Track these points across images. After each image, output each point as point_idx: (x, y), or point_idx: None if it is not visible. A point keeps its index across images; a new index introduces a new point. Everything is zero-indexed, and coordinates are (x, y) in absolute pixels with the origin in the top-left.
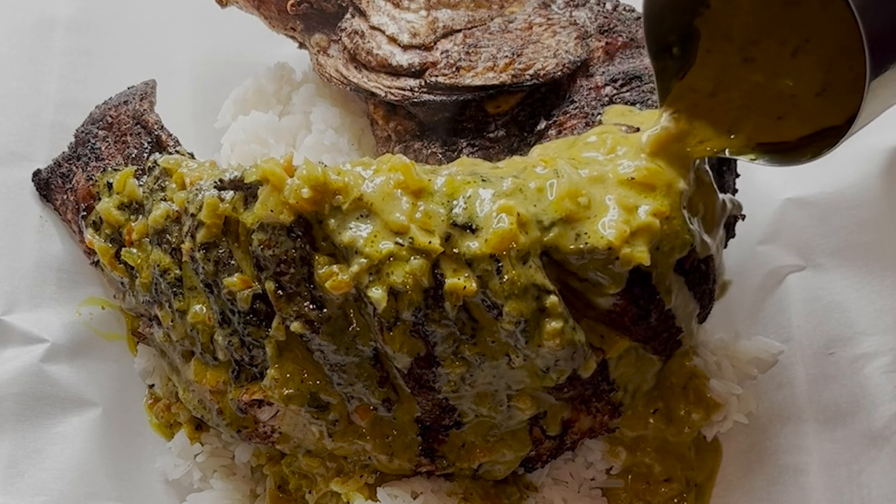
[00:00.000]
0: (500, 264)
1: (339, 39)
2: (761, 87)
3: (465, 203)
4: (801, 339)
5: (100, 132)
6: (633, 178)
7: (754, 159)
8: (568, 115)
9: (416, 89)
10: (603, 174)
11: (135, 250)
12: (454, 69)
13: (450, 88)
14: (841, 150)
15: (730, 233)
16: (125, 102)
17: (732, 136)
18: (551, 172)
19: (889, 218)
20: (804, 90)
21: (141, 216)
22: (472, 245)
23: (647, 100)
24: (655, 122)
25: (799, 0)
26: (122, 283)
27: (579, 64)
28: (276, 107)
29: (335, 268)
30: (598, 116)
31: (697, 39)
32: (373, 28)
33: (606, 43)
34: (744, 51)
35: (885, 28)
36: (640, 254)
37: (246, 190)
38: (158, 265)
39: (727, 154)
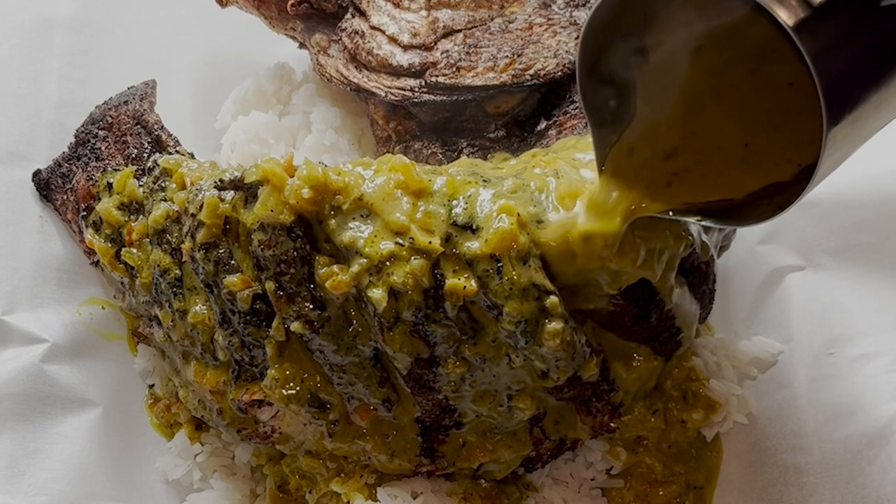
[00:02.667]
0: (500, 264)
1: (340, 39)
2: (709, 137)
3: (466, 203)
4: (801, 339)
5: (100, 132)
6: None
7: (701, 220)
8: (568, 115)
9: (417, 89)
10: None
11: (135, 250)
12: (454, 69)
13: (450, 88)
14: None
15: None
16: (125, 102)
17: (677, 197)
18: (551, 173)
19: (889, 218)
20: (732, 151)
21: (141, 216)
22: (473, 245)
23: None
24: (596, 188)
25: (728, 68)
26: (122, 283)
27: None
28: (276, 107)
29: (335, 268)
30: None
31: (636, 92)
32: (373, 28)
33: None
34: (677, 108)
35: (840, 76)
36: None
37: (246, 190)
38: (158, 265)
39: (671, 216)
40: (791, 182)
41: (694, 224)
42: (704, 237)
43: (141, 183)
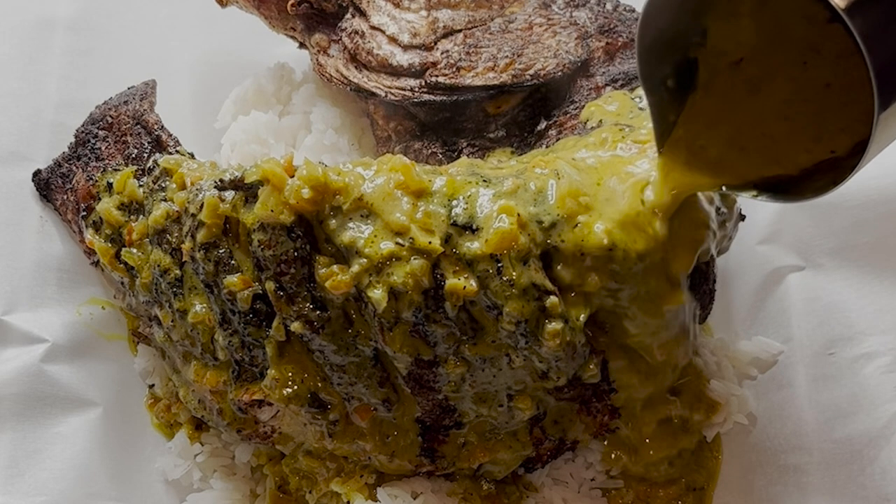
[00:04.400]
0: (500, 265)
1: (340, 39)
2: (760, 117)
3: (466, 203)
4: (801, 339)
5: (100, 132)
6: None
7: (756, 195)
8: (568, 115)
9: (417, 89)
10: (604, 175)
11: (135, 250)
12: (454, 69)
13: (450, 88)
14: None
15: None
16: (125, 102)
17: (733, 173)
18: (551, 173)
19: (889, 218)
20: (802, 117)
21: (141, 216)
22: (473, 245)
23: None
24: (656, 169)
25: (775, 66)
26: (122, 283)
27: (579, 64)
28: (276, 107)
29: (335, 268)
30: (591, 118)
31: (694, 72)
32: (373, 28)
33: (607, 43)
34: (745, 82)
35: (890, 58)
36: None
37: (246, 190)
38: (159, 265)
39: (729, 191)
40: (845, 157)
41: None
42: None
43: (141, 183)
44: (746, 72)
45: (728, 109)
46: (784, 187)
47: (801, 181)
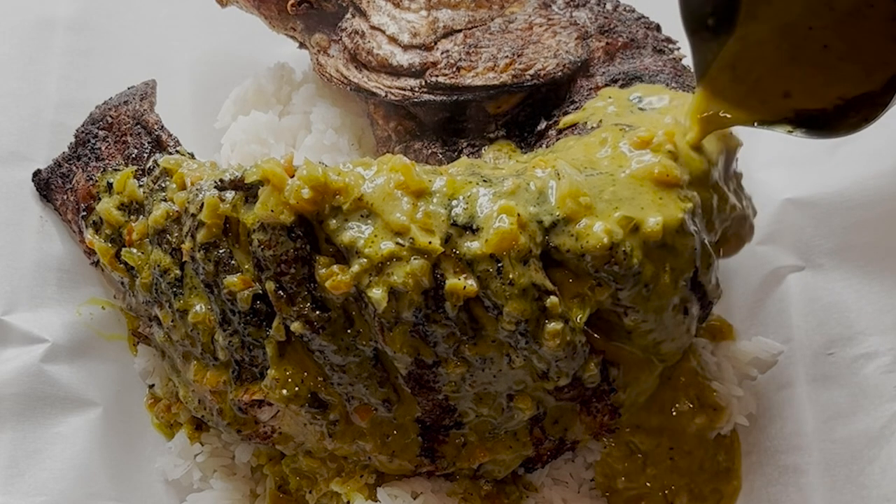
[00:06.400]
0: (500, 265)
1: (340, 39)
2: (800, 51)
3: (466, 203)
4: (801, 339)
5: (100, 132)
6: (637, 176)
7: (791, 131)
8: (568, 115)
9: (417, 89)
10: (605, 175)
11: (135, 250)
12: (455, 69)
13: (450, 88)
14: (840, 150)
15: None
16: (125, 102)
17: (770, 106)
18: (552, 173)
19: (889, 218)
20: (839, 46)
21: (141, 216)
22: (473, 245)
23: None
24: (693, 100)
25: (795, 20)
26: (122, 283)
27: (579, 64)
28: (276, 107)
29: (335, 268)
30: (591, 118)
31: (734, 9)
32: (373, 28)
33: (607, 43)
34: (784, 16)
35: None
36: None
37: (246, 190)
38: (159, 265)
39: (765, 126)
40: (878, 93)
41: (697, 227)
42: (706, 237)
43: (141, 183)
44: (770, 22)
45: (754, 53)
46: (819, 123)
47: (835, 118)
